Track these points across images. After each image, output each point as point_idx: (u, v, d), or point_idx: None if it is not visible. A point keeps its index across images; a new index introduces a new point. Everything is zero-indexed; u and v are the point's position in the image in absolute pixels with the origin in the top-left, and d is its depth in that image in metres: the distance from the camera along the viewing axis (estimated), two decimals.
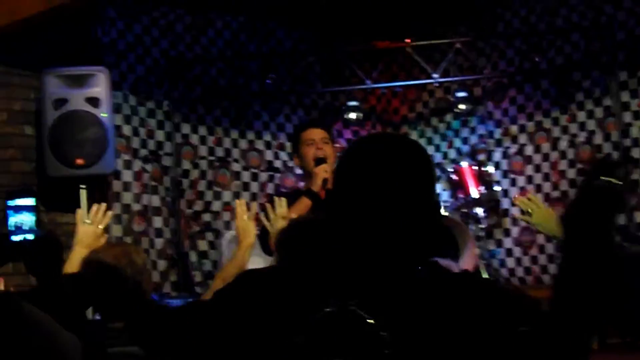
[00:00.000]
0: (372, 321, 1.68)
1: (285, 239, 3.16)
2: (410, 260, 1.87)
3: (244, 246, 3.98)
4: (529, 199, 3.89)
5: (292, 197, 4.84)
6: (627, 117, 7.67)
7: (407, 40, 8.10)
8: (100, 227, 3.88)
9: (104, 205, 4.02)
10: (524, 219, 3.96)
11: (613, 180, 2.00)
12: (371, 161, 1.91)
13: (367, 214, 1.86)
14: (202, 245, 7.95)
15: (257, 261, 5.29)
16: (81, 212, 4.05)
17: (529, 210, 3.83)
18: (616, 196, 1.98)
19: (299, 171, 8.44)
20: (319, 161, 4.88)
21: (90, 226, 3.85)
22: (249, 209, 4.12)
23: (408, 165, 1.91)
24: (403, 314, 1.72)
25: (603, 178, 1.99)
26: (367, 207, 1.86)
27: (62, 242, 2.19)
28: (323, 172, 4.82)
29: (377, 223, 1.85)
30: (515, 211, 8.20)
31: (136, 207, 7.46)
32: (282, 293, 1.82)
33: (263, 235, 4.47)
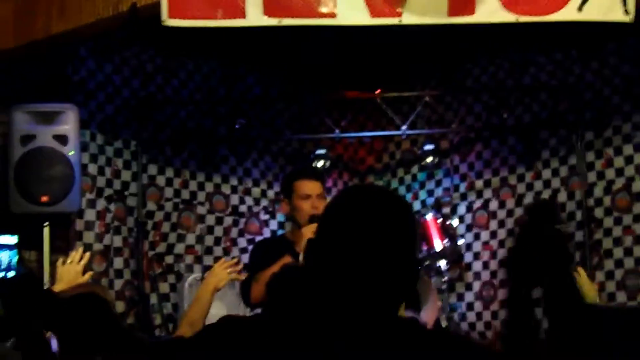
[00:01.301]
0: None
1: (273, 286, 3.14)
2: (385, 314, 1.87)
3: (210, 288, 3.96)
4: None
5: (277, 247, 4.81)
6: (592, 176, 7.74)
7: (377, 91, 8.15)
8: (82, 263, 3.95)
9: (81, 248, 4.12)
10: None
11: (562, 227, 2.05)
12: (355, 214, 1.91)
13: (347, 267, 1.85)
14: (164, 287, 7.88)
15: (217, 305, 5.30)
16: (60, 259, 4.12)
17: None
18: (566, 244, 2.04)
19: (263, 216, 8.45)
20: (311, 219, 4.78)
21: (71, 265, 3.90)
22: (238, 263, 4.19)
23: (392, 220, 1.91)
24: None
25: (553, 226, 2.04)
26: (348, 260, 1.86)
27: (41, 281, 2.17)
28: (310, 233, 4.72)
29: (357, 277, 1.84)
30: (477, 266, 8.26)
31: (97, 246, 7.39)
32: (265, 342, 1.81)
33: (245, 285, 4.45)
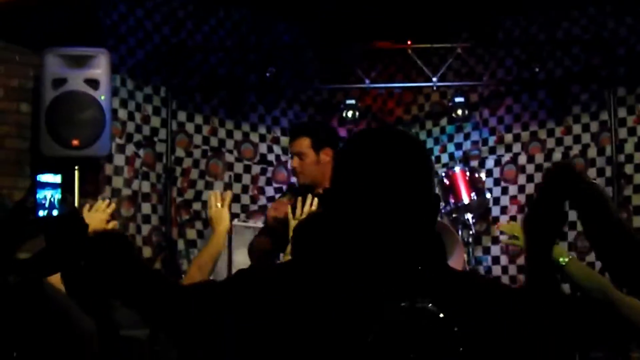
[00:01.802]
0: (443, 316, 1.67)
1: (302, 233, 3.14)
2: (424, 259, 1.87)
3: (219, 232, 4.01)
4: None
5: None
6: (623, 133, 7.68)
7: (408, 42, 8.09)
8: (108, 211, 3.98)
9: (107, 200, 4.20)
10: (513, 242, 3.92)
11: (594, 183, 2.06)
12: (370, 156, 1.89)
13: (368, 212, 1.84)
14: (191, 234, 7.92)
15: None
16: (86, 206, 4.16)
17: (515, 234, 3.80)
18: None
19: (291, 165, 8.45)
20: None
21: (97, 212, 3.95)
22: (223, 199, 4.20)
23: (407, 160, 1.89)
24: (462, 310, 1.71)
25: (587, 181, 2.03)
26: (367, 204, 1.84)
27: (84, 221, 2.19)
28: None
29: (378, 221, 1.83)
30: (504, 220, 8.24)
31: (126, 191, 7.44)
32: (323, 289, 1.80)
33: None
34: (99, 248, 1.96)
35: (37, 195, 2.85)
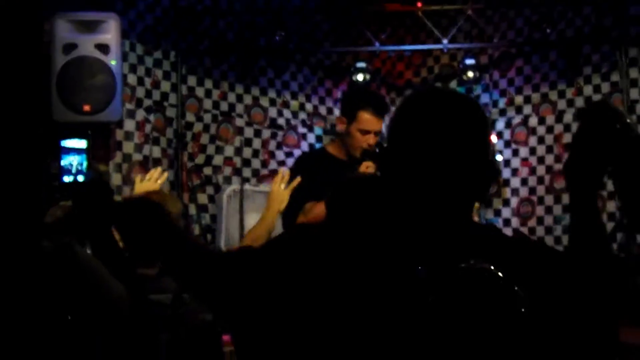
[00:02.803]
0: (502, 276, 1.66)
1: (343, 196, 3.10)
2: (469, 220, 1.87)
3: (274, 212, 4.05)
4: None
5: (322, 164, 4.79)
6: (635, 93, 7.65)
7: (418, 4, 8.04)
8: (159, 182, 4.02)
9: (160, 168, 4.20)
10: None
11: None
12: (427, 118, 1.87)
13: (424, 174, 1.83)
14: (202, 198, 7.92)
15: None
16: (137, 176, 4.21)
17: None
18: None
19: (301, 129, 8.45)
20: (364, 154, 4.75)
21: (148, 182, 3.98)
22: (285, 180, 4.23)
23: (465, 121, 1.87)
24: (519, 271, 1.71)
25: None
26: (424, 167, 1.83)
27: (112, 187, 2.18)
28: (365, 169, 4.70)
29: (435, 184, 1.83)
30: (515, 182, 8.24)
31: (137, 157, 7.43)
32: (376, 250, 1.79)
33: (290, 211, 4.42)
34: (131, 213, 1.95)
35: (62, 161, 2.83)
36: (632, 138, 1.99)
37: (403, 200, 1.84)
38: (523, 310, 1.63)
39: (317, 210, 4.37)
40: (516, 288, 1.63)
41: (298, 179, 4.24)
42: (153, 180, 4.08)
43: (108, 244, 1.91)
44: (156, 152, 7.59)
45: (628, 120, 2.02)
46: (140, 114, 7.46)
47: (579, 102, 7.99)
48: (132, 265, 2.34)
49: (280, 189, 4.13)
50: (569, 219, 2.08)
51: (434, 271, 1.67)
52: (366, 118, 4.85)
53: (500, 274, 1.64)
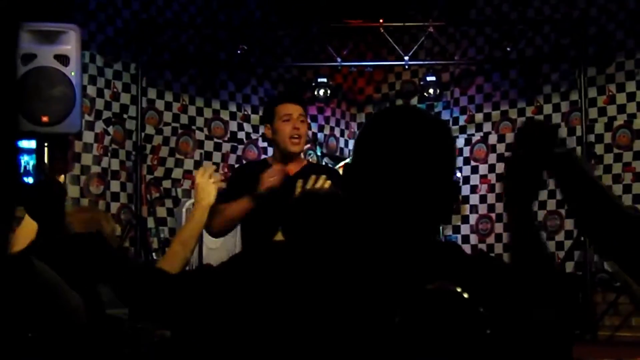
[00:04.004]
0: (468, 297, 1.64)
1: (302, 214, 3.02)
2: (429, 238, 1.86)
3: (202, 206, 3.72)
4: None
5: (258, 172, 4.75)
6: (593, 113, 7.73)
7: (380, 20, 8.06)
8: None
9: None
10: None
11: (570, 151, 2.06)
12: (395, 137, 1.85)
13: (388, 194, 1.81)
14: (161, 211, 7.87)
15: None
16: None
17: None
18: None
19: (262, 143, 8.43)
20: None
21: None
22: (212, 175, 3.89)
23: (432, 142, 1.85)
24: (483, 291, 1.69)
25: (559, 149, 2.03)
26: (388, 186, 1.82)
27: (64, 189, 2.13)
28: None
29: (399, 203, 1.81)
30: (474, 199, 8.28)
31: (95, 169, 7.37)
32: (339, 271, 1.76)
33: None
34: (76, 250, 1.91)
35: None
36: (563, 154, 2.03)
37: (367, 220, 1.83)
38: (488, 331, 1.62)
39: (227, 212, 4.42)
40: (481, 309, 1.62)
41: (212, 167, 4.09)
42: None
43: (65, 253, 1.87)
44: (115, 164, 7.54)
45: (559, 137, 2.06)
46: (100, 126, 7.40)
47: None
48: (88, 275, 2.29)
49: (206, 182, 3.80)
50: (508, 238, 2.10)
51: (400, 292, 1.66)
52: (282, 107, 4.87)
53: (465, 295, 1.63)
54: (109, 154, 7.50)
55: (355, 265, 1.75)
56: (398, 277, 1.71)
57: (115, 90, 7.58)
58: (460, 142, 8.52)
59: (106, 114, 7.49)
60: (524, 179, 2.02)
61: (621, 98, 7.60)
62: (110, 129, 7.50)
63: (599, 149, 7.65)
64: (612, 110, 7.65)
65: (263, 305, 1.75)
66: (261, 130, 8.49)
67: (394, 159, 1.82)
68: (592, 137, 7.69)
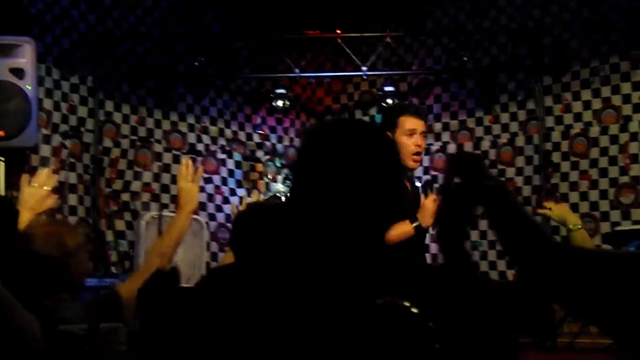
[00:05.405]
0: (417, 312, 1.64)
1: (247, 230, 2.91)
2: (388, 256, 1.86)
3: (185, 213, 3.46)
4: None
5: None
6: (550, 121, 7.79)
7: (338, 31, 8.08)
8: (46, 188, 3.50)
9: (51, 168, 3.73)
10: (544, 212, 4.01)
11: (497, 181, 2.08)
12: (336, 149, 1.84)
13: (331, 208, 1.80)
14: (120, 225, 7.81)
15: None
16: (26, 175, 3.72)
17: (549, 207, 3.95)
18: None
19: (220, 155, 8.40)
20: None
21: (35, 188, 3.54)
22: (195, 172, 3.60)
23: (370, 150, 1.85)
24: (433, 305, 1.69)
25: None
26: (331, 199, 1.80)
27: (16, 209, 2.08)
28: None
29: (343, 219, 1.80)
30: None
31: None
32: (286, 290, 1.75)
33: None
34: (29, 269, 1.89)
35: None
36: (495, 186, 2.05)
37: (313, 231, 1.81)
38: (437, 346, 1.62)
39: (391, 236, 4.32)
40: (430, 324, 1.62)
41: (189, 162, 3.69)
42: (40, 186, 3.59)
43: (19, 273, 1.84)
44: (72, 178, 7.47)
45: (486, 170, 2.08)
46: (56, 140, 7.34)
47: (496, 129, 8.11)
48: (39, 293, 2.26)
49: (190, 186, 3.51)
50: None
51: (349, 308, 1.65)
52: (407, 120, 4.78)
53: (414, 310, 1.63)
54: (67, 168, 7.43)
55: (302, 281, 1.74)
56: (347, 292, 1.71)
57: (72, 103, 7.52)
58: None
59: (63, 127, 7.42)
60: (456, 211, 2.04)
61: (577, 106, 7.67)
62: (68, 143, 7.44)
63: (555, 157, 7.71)
64: (568, 118, 7.72)
65: (212, 330, 1.74)
66: (220, 141, 8.48)
67: (333, 170, 1.81)
68: (549, 146, 7.76)
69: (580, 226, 3.65)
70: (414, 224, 4.40)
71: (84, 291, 3.37)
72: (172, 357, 1.76)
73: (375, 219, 1.84)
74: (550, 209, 3.98)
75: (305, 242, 1.81)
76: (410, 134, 4.64)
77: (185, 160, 3.74)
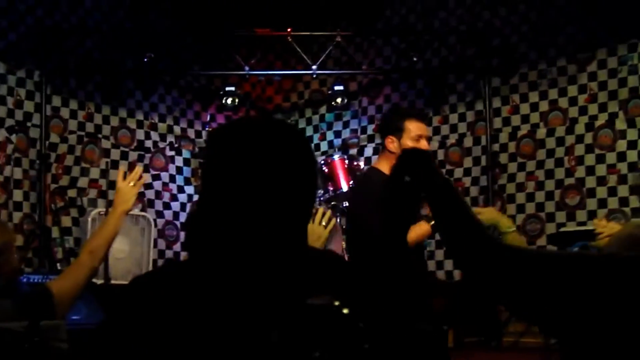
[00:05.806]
0: (347, 312, 1.62)
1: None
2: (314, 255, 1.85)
3: (118, 213, 3.45)
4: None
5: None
6: (498, 122, 7.86)
7: (288, 30, 8.07)
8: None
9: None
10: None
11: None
12: (245, 149, 1.81)
13: (249, 209, 1.78)
14: (66, 221, 7.72)
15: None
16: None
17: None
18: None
19: (169, 152, 8.36)
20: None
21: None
22: (136, 177, 3.60)
23: (285, 151, 1.82)
24: (362, 305, 1.69)
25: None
26: (247, 200, 1.78)
27: None
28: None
29: (263, 218, 1.78)
30: None
31: None
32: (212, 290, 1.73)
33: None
34: None
35: None
36: (443, 182, 2.06)
37: (231, 232, 1.79)
38: (366, 346, 1.61)
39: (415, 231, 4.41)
40: (360, 324, 1.62)
41: (139, 171, 3.66)
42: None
43: None
44: (17, 173, 7.38)
45: (434, 167, 2.10)
46: (2, 134, 7.25)
47: (445, 129, 8.16)
48: None
49: (127, 187, 3.53)
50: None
51: (277, 309, 1.64)
52: (414, 125, 4.80)
53: (345, 310, 1.62)
54: (12, 163, 7.34)
55: (232, 284, 1.73)
56: (276, 292, 1.70)
57: (18, 97, 7.43)
58: (368, 151, 8.58)
59: (9, 122, 7.33)
60: (403, 204, 2.05)
61: (525, 108, 7.75)
62: (13, 137, 7.35)
63: (503, 158, 7.78)
64: (516, 120, 7.79)
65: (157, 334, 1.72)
66: (169, 138, 8.43)
67: (244, 172, 1.79)
68: (496, 147, 7.82)
69: (513, 229, 3.65)
70: (431, 223, 4.44)
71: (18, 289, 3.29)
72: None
73: (295, 216, 1.82)
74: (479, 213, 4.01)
75: (230, 245, 1.79)
76: (417, 138, 4.71)
77: (138, 167, 3.75)
